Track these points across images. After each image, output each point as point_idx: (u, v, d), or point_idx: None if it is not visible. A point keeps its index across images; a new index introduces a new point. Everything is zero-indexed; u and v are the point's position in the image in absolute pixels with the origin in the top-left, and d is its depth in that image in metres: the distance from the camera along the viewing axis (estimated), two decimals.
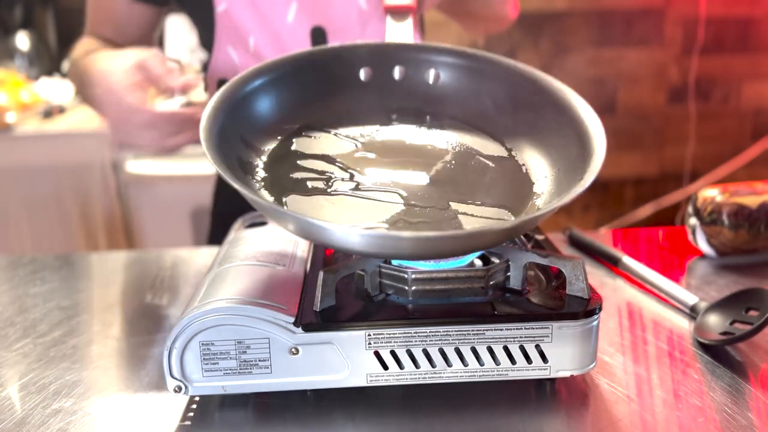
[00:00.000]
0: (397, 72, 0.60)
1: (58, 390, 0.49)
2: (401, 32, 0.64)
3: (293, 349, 0.44)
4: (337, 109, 0.59)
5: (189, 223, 1.69)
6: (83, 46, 0.82)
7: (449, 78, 0.60)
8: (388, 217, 0.49)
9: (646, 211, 2.21)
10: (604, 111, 2.15)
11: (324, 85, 0.59)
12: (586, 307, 0.45)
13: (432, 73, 0.60)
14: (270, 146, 0.55)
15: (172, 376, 0.44)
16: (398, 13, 0.66)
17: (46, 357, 0.54)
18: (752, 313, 0.54)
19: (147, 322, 0.61)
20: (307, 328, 0.44)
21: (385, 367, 0.45)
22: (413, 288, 0.47)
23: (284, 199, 0.50)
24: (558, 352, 0.45)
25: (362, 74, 0.60)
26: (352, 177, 0.53)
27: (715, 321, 0.56)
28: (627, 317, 0.60)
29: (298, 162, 0.54)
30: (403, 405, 0.46)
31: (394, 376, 0.45)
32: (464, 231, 0.48)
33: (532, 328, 0.44)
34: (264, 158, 0.54)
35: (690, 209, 0.76)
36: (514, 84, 0.58)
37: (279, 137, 0.55)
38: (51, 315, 0.62)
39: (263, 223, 0.62)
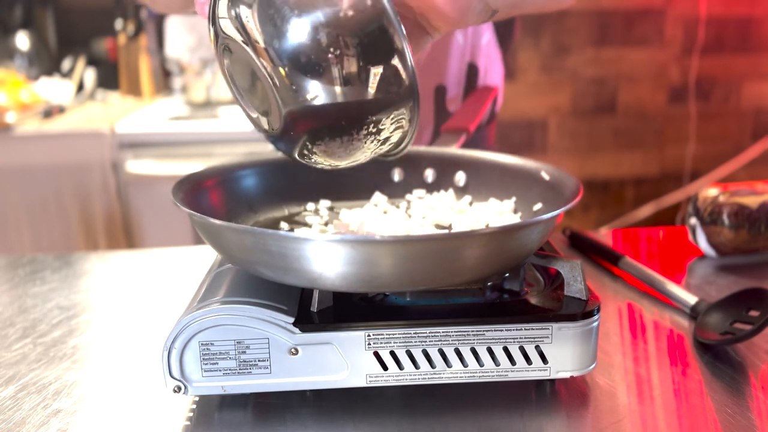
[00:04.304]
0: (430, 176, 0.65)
1: (58, 390, 0.49)
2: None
3: (293, 350, 0.44)
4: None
5: (189, 223, 1.69)
6: None
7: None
8: None
9: (646, 211, 2.21)
10: (605, 111, 2.15)
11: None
12: (584, 309, 0.45)
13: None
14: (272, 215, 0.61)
15: (171, 376, 0.44)
16: (454, 132, 0.71)
17: (46, 357, 0.54)
18: (753, 313, 0.54)
19: (147, 322, 0.61)
20: (307, 328, 0.44)
21: (385, 368, 0.44)
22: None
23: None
24: (558, 352, 0.45)
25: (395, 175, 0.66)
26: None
27: (715, 321, 0.56)
28: (627, 317, 0.60)
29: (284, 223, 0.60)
30: (403, 405, 0.46)
31: (393, 377, 0.45)
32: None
33: (532, 329, 0.44)
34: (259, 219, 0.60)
35: (690, 209, 0.76)
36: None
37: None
38: (51, 315, 0.62)
39: None
